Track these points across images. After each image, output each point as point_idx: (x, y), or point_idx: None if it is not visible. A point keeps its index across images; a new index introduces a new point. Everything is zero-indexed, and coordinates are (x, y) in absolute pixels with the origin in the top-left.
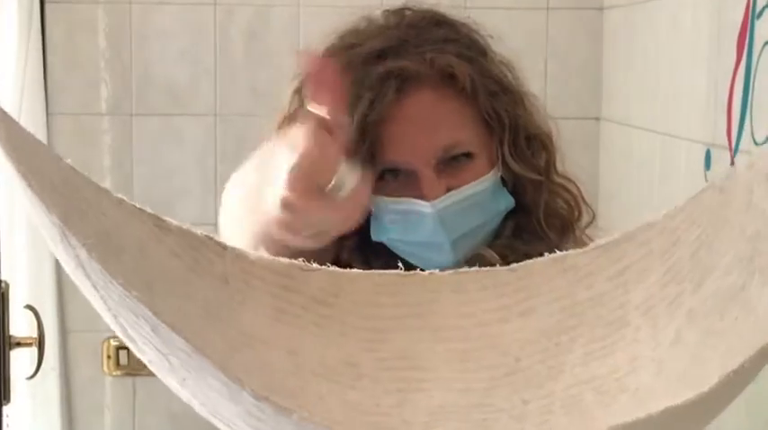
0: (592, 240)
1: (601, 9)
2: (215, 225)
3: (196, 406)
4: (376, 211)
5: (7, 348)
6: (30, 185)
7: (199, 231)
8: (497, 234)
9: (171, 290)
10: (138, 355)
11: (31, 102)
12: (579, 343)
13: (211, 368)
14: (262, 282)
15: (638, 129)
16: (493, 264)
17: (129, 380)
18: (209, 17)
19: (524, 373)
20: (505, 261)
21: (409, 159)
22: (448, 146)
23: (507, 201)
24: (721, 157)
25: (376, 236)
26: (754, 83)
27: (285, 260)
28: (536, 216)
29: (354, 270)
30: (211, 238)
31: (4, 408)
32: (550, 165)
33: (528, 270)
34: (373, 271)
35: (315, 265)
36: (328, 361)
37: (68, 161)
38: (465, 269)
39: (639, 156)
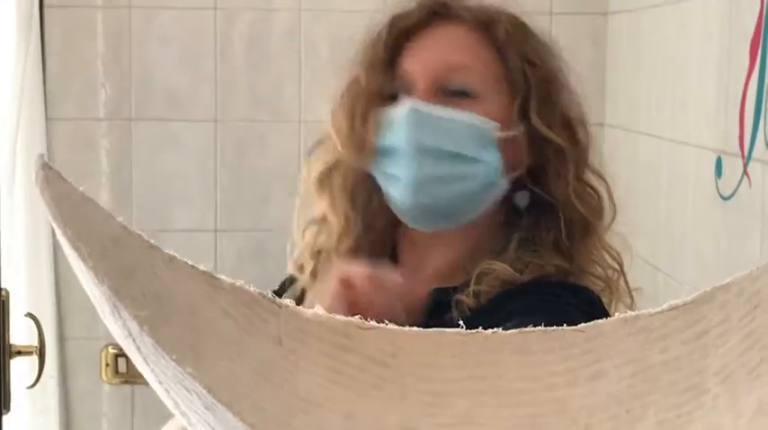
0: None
1: (605, 14)
2: (214, 232)
3: None
4: (377, 128)
5: (7, 357)
6: (78, 250)
7: (253, 288)
8: (505, 242)
9: (222, 353)
10: None
11: (30, 107)
12: (652, 410)
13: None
14: (318, 342)
15: (644, 135)
16: (509, 278)
17: (127, 388)
18: (209, 22)
19: None
20: (518, 272)
21: (412, 71)
22: (451, 73)
23: (493, 157)
24: (733, 165)
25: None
26: (767, 89)
27: (342, 318)
28: (559, 207)
29: (414, 328)
30: (265, 296)
31: (4, 418)
32: (583, 153)
33: (597, 330)
34: (434, 329)
35: (373, 323)
36: (387, 425)
37: (120, 219)
38: (529, 329)
39: (646, 163)
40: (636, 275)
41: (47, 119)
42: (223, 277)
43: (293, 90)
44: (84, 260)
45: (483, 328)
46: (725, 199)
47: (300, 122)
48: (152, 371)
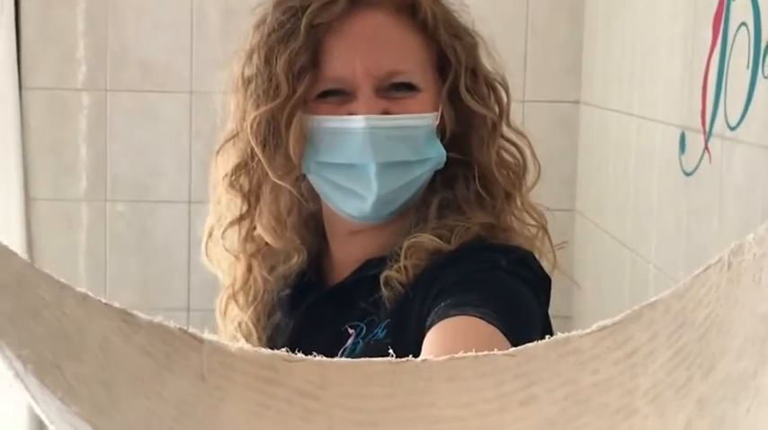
0: (541, 207)
1: None
2: (188, 202)
3: None
4: (310, 135)
5: None
6: None
7: (172, 324)
8: (426, 207)
9: (139, 390)
10: None
11: (2, 76)
12: None
13: None
14: (243, 376)
15: (617, 113)
16: (436, 248)
17: None
18: None
19: None
20: (445, 241)
21: (351, 76)
22: (392, 70)
23: (438, 152)
24: (696, 141)
25: (306, 165)
26: (728, 65)
27: (267, 351)
28: (480, 172)
29: (342, 359)
30: (186, 332)
31: None
32: (503, 113)
33: (528, 354)
34: (362, 359)
35: (300, 355)
36: None
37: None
38: (460, 355)
39: (617, 140)
40: (603, 253)
41: (21, 88)
42: (140, 314)
43: None
44: None
45: (416, 305)
46: (687, 175)
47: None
48: (42, 410)
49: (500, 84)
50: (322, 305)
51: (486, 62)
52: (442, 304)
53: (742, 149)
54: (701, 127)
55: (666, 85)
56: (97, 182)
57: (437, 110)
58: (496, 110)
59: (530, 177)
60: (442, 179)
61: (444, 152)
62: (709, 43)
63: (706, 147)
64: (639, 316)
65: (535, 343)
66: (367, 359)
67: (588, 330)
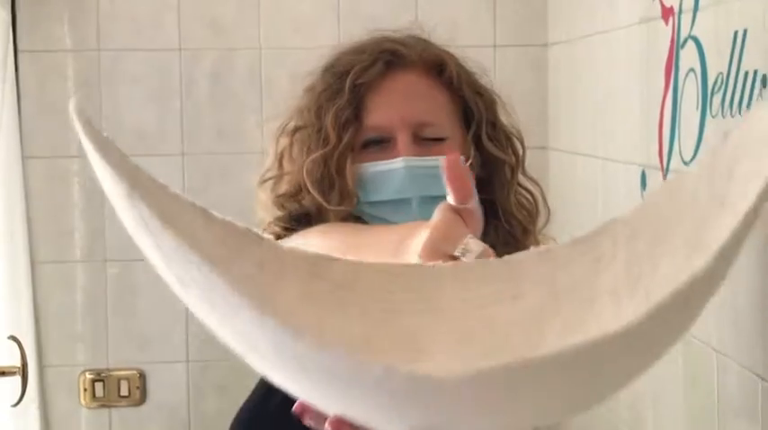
0: (552, 240)
1: (545, 45)
2: None
3: (234, 337)
4: (358, 179)
5: None
6: (104, 158)
7: (240, 224)
8: None
9: (217, 265)
10: (184, 299)
11: (7, 146)
12: (559, 318)
13: (244, 301)
14: (293, 269)
15: (582, 156)
16: None
17: (105, 411)
18: (174, 62)
19: (512, 346)
20: None
21: (389, 124)
22: (425, 122)
23: None
24: (656, 177)
25: (357, 208)
26: (681, 108)
27: (313, 252)
28: (502, 212)
29: (371, 261)
30: (251, 230)
31: None
32: (519, 162)
33: (518, 261)
34: (387, 262)
35: (337, 256)
36: (352, 334)
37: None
38: (464, 261)
39: (584, 181)
40: None
41: (23, 157)
42: (215, 213)
43: (255, 124)
44: (109, 164)
45: None
46: None
47: (263, 154)
48: (158, 246)
49: (515, 136)
50: None
51: (503, 118)
52: None
53: None
54: (659, 164)
55: (627, 128)
56: (96, 242)
57: (464, 154)
58: (513, 158)
59: (541, 219)
60: None
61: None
62: (663, 89)
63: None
64: (604, 230)
65: (523, 252)
66: (391, 262)
67: (565, 242)
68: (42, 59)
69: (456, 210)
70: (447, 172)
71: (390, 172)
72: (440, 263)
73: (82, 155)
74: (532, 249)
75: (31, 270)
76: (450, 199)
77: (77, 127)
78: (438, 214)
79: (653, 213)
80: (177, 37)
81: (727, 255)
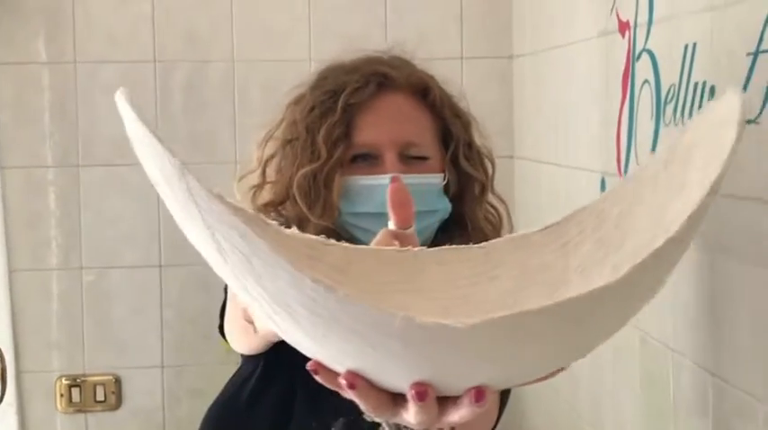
0: None
1: (510, 57)
2: (159, 267)
3: (266, 298)
4: (344, 190)
5: None
6: (156, 138)
7: (249, 210)
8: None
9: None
10: (223, 267)
11: None
12: (533, 292)
13: (284, 263)
14: (295, 251)
15: (547, 164)
16: None
17: (81, 416)
18: (149, 73)
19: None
20: None
21: (378, 143)
22: (411, 142)
23: (445, 205)
24: (614, 183)
25: (341, 217)
26: (637, 117)
27: (312, 235)
28: (468, 227)
29: (363, 246)
30: (259, 215)
31: None
32: (489, 180)
33: (494, 247)
34: (378, 247)
35: (332, 241)
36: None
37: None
38: (446, 247)
39: (548, 188)
40: None
41: (0, 167)
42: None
43: (228, 134)
44: (164, 146)
45: None
46: None
47: (236, 163)
48: (202, 217)
49: (487, 156)
50: None
51: (477, 139)
52: None
53: None
54: (617, 171)
55: (587, 137)
56: (72, 249)
57: (443, 172)
58: (484, 176)
59: (504, 233)
60: (442, 230)
61: (450, 206)
62: (620, 99)
63: None
64: (573, 217)
65: (499, 239)
66: (381, 247)
67: (537, 229)
68: (19, 71)
69: (395, 236)
70: (391, 197)
71: (379, 186)
72: (424, 248)
73: (57, 164)
74: (507, 236)
75: (8, 278)
76: (392, 224)
77: (125, 113)
78: (378, 238)
79: (617, 200)
80: (152, 49)
81: (691, 230)
